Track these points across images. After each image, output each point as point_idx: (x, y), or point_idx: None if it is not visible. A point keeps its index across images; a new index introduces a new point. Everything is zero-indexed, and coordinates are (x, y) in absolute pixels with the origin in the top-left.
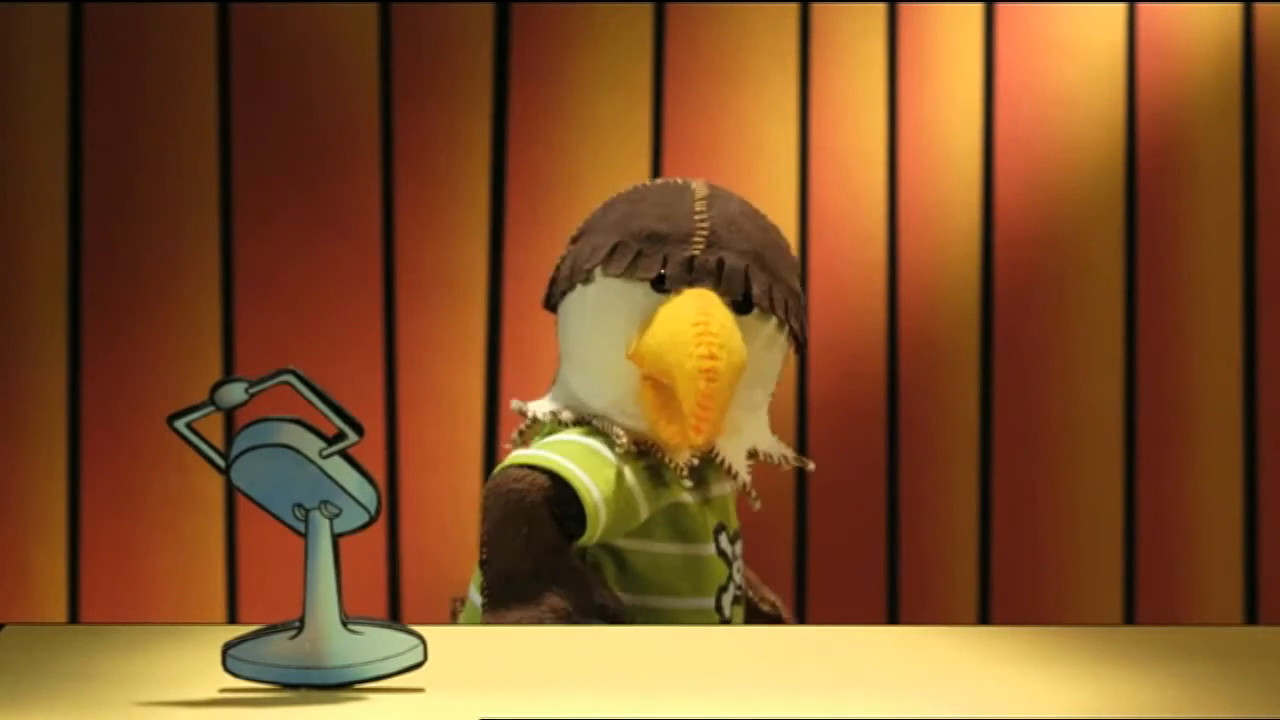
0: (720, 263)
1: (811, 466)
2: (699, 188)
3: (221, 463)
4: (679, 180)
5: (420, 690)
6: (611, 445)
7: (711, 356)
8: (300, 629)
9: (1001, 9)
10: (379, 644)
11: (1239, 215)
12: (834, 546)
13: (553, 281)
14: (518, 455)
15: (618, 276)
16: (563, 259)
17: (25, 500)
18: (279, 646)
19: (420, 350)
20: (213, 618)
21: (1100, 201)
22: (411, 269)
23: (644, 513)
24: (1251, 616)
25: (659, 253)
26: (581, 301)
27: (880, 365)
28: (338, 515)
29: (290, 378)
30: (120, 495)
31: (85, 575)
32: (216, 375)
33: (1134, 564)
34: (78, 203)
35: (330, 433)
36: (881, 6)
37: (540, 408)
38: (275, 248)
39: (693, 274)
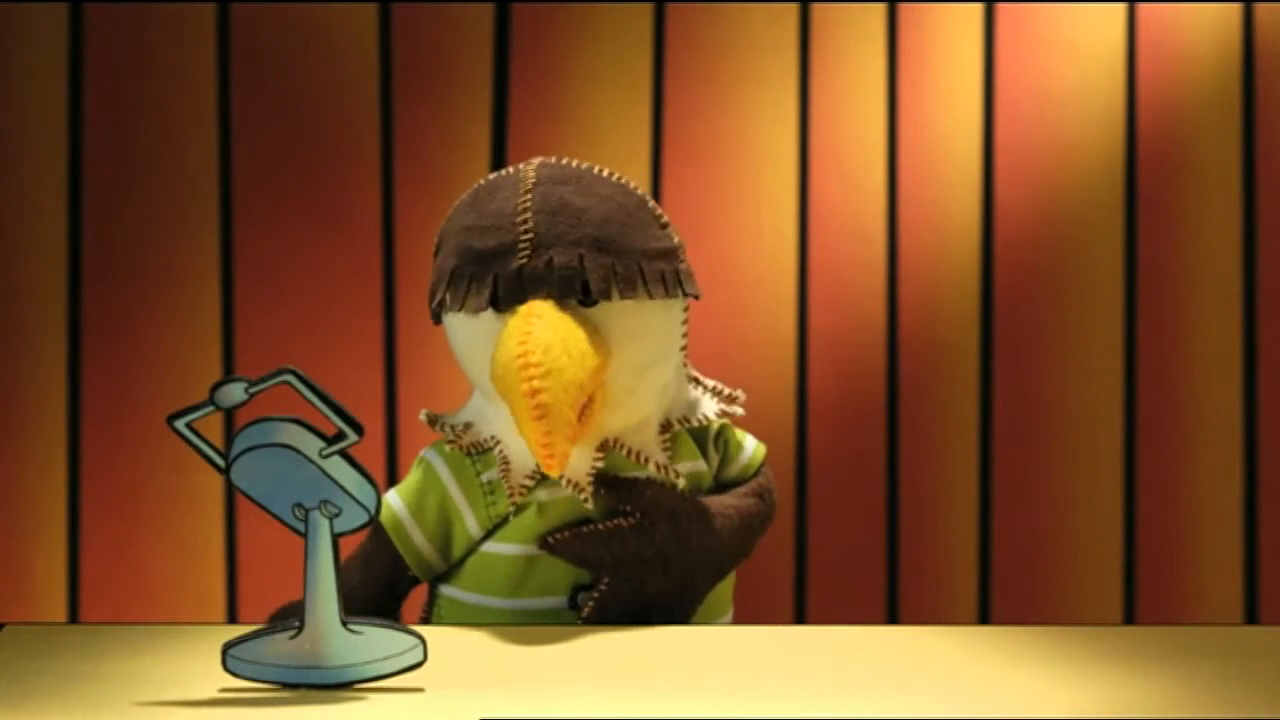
0: (549, 264)
1: (742, 396)
2: (527, 175)
3: (221, 463)
4: (510, 171)
5: (420, 690)
6: (470, 460)
7: (534, 392)
8: (300, 629)
9: (1001, 9)
10: (379, 644)
11: (1239, 215)
12: (834, 546)
13: (431, 302)
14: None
15: (461, 311)
16: (431, 276)
17: (25, 500)
18: (279, 646)
19: (420, 350)
20: (213, 618)
21: (1100, 201)
22: (411, 269)
23: (471, 523)
24: (1251, 616)
25: (489, 273)
26: (450, 331)
27: (880, 365)
28: (338, 515)
29: (290, 378)
30: (120, 495)
31: (85, 575)
32: (216, 375)
33: (1134, 564)
34: (78, 203)
35: (330, 433)
36: (881, 6)
37: (452, 420)
38: (275, 248)
39: (524, 288)
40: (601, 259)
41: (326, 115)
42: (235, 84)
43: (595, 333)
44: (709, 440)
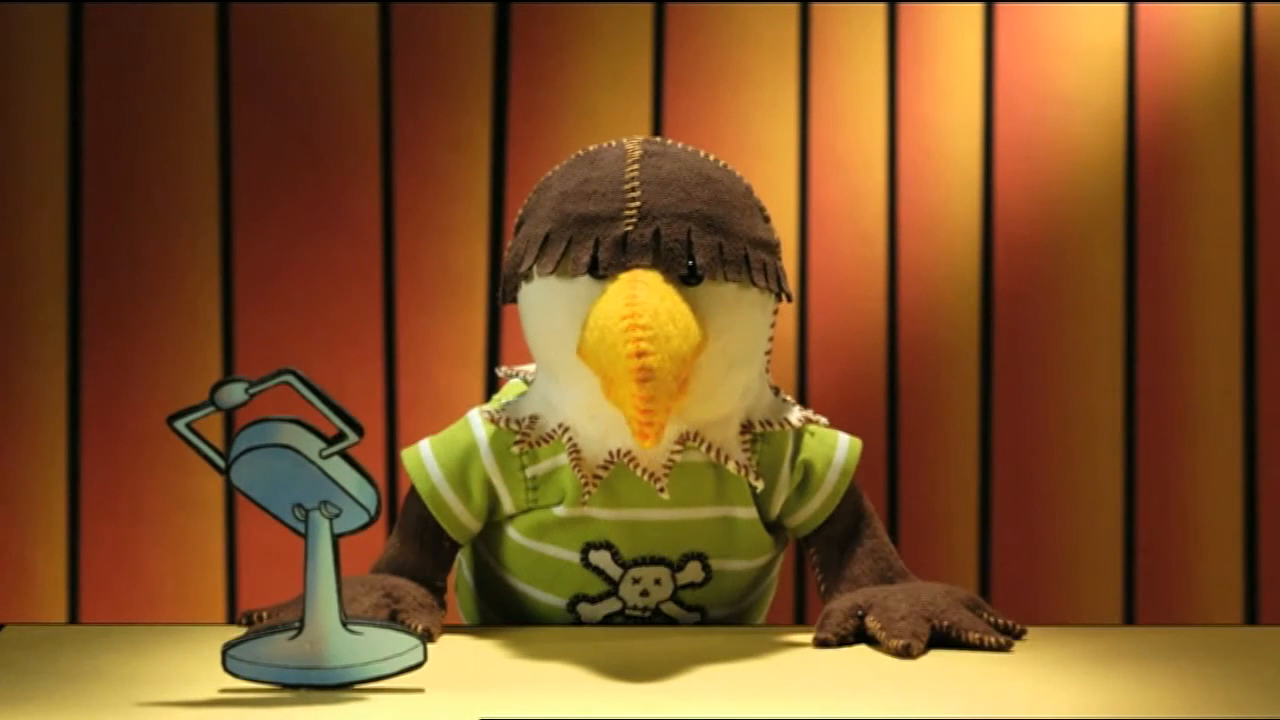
0: (656, 235)
1: (824, 421)
2: (632, 149)
3: (221, 463)
4: (613, 143)
5: (420, 690)
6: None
7: (640, 354)
8: (300, 629)
9: (1001, 9)
10: (379, 644)
11: (1239, 215)
12: None
13: (506, 276)
14: (411, 451)
15: (553, 274)
16: (511, 249)
17: (25, 500)
18: (279, 647)
19: (420, 350)
20: (213, 618)
21: (1100, 201)
22: (411, 269)
23: (507, 505)
24: (1251, 616)
25: (590, 238)
26: (529, 301)
27: (880, 365)
28: (338, 515)
29: (290, 378)
30: (120, 496)
31: (85, 575)
32: (216, 375)
33: (1134, 564)
34: (78, 203)
35: (330, 433)
36: (881, 6)
37: (516, 415)
38: (275, 248)
39: (627, 255)
40: (709, 237)
41: (326, 115)
42: (235, 84)
43: (694, 314)
44: (781, 469)
